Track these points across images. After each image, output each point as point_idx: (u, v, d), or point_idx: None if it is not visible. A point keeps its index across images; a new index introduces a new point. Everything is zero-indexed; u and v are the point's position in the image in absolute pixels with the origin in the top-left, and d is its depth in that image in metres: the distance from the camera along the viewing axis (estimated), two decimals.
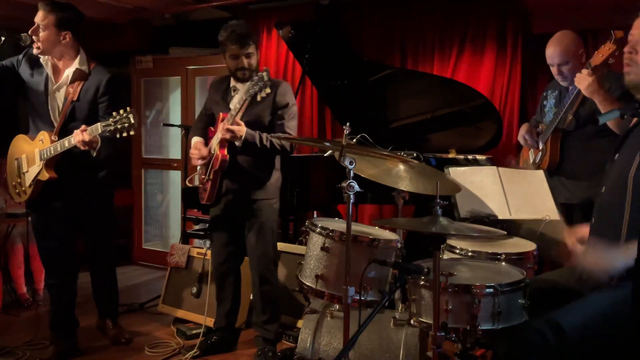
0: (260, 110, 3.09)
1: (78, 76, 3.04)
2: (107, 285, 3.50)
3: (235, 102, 3.09)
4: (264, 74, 2.90)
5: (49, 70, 3.05)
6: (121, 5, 5.02)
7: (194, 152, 3.17)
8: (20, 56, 3.13)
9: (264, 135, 3.02)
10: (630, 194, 1.92)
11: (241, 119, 3.00)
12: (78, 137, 2.86)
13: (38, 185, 3.02)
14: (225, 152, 3.04)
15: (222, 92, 3.21)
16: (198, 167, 3.24)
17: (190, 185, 3.39)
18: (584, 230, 2.24)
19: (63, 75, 3.06)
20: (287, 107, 3.12)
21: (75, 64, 3.05)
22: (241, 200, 3.13)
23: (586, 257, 1.91)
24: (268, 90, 2.94)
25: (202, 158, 3.13)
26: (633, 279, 1.64)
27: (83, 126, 2.88)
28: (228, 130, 2.93)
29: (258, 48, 3.16)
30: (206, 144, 3.22)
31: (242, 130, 2.95)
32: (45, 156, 2.97)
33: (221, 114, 3.08)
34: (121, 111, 2.77)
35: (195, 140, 3.24)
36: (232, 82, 3.18)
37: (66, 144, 2.92)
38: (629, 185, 1.93)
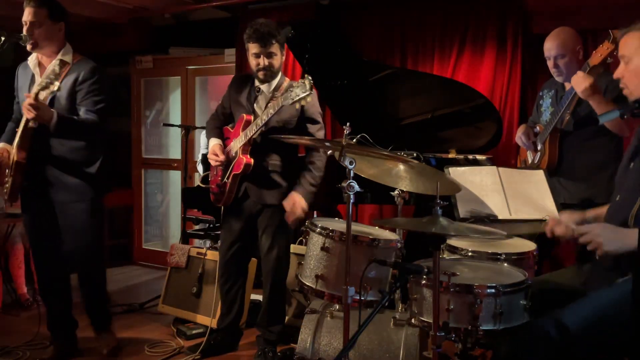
0: (288, 117, 3.04)
1: (60, 67, 2.95)
2: (90, 294, 3.26)
3: (261, 104, 3.07)
4: (307, 82, 2.72)
5: (36, 71, 3.02)
6: (121, 5, 5.02)
7: (211, 157, 3.14)
8: (15, 78, 3.11)
9: (308, 178, 3.05)
10: None
11: (268, 126, 2.97)
12: (25, 105, 2.75)
13: (16, 172, 2.92)
14: (250, 158, 3.01)
15: (245, 93, 3.14)
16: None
17: (204, 186, 3.36)
18: (576, 215, 2.25)
19: (48, 68, 2.98)
20: (314, 118, 3.09)
21: (58, 56, 2.99)
22: (259, 205, 3.10)
23: (589, 230, 1.90)
24: (309, 100, 2.75)
25: (220, 161, 3.11)
26: (633, 279, 1.64)
27: (27, 99, 2.79)
28: (295, 212, 2.97)
29: (284, 48, 3.09)
30: (223, 144, 3.19)
31: (301, 204, 2.99)
32: (16, 139, 2.92)
33: (244, 115, 3.05)
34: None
35: (213, 143, 3.18)
36: (256, 83, 3.12)
37: (24, 120, 2.87)
38: None
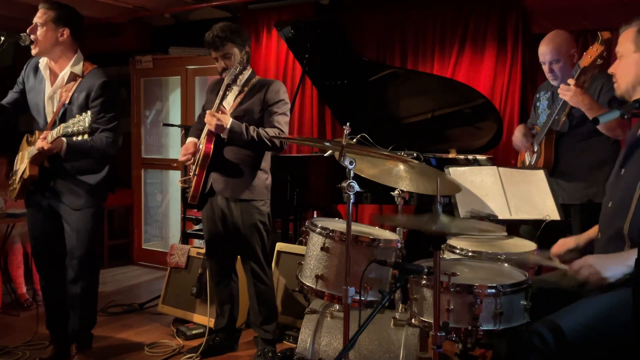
0: (250, 105, 3.08)
1: (71, 78, 2.99)
2: (76, 304, 3.06)
3: (229, 100, 3.11)
4: (244, 57, 2.99)
5: (46, 75, 3.02)
6: (121, 5, 5.02)
7: (181, 152, 3.17)
8: (23, 71, 3.10)
9: (251, 127, 2.98)
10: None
11: (230, 114, 3.01)
12: (38, 144, 2.80)
13: (24, 183, 2.96)
14: (211, 146, 3.00)
15: (217, 92, 3.18)
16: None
17: (180, 186, 3.37)
18: (570, 241, 2.27)
19: (58, 78, 3.01)
20: (277, 103, 3.09)
21: (68, 66, 2.99)
22: (227, 200, 3.09)
23: (582, 265, 1.91)
24: (245, 73, 3.00)
25: (189, 154, 3.12)
26: (633, 280, 1.64)
27: (45, 132, 2.82)
28: (213, 116, 2.90)
29: (242, 45, 3.09)
30: None
31: (226, 119, 2.93)
32: (30, 155, 2.93)
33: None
34: (83, 114, 2.67)
35: (189, 140, 3.24)
36: (226, 81, 3.14)
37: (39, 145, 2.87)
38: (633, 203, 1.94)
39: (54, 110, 2.98)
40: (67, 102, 2.94)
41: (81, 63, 3.02)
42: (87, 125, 2.62)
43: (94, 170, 3.04)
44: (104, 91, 2.94)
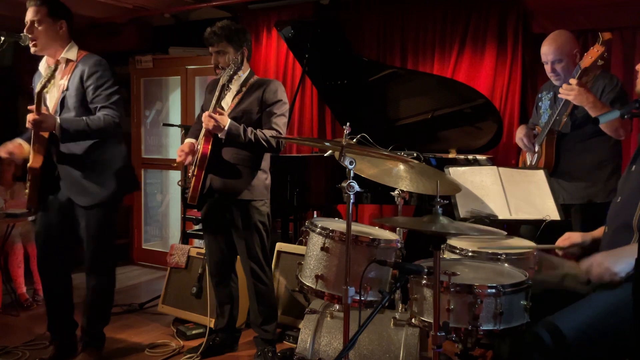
0: (248, 105, 3.07)
1: (65, 64, 2.97)
2: (95, 296, 3.13)
3: (227, 100, 3.11)
4: (238, 57, 3.01)
5: (44, 72, 3.01)
6: (121, 5, 5.02)
7: (177, 151, 3.16)
8: (33, 81, 3.09)
9: (249, 128, 2.97)
10: None
11: (228, 115, 3.01)
12: (28, 118, 2.75)
13: (33, 176, 2.89)
14: (208, 147, 3.00)
15: (215, 91, 3.15)
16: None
17: (180, 186, 3.37)
18: (576, 236, 2.27)
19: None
20: (275, 104, 3.08)
21: (62, 54, 2.96)
22: (226, 200, 3.09)
23: (592, 263, 1.91)
24: (241, 73, 3.04)
25: (185, 154, 3.10)
26: (633, 279, 1.64)
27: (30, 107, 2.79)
28: (210, 117, 2.90)
29: (239, 46, 3.09)
30: None
31: (224, 120, 2.92)
32: (30, 142, 2.89)
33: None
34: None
35: (186, 141, 3.23)
36: (224, 81, 3.12)
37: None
38: None
39: (55, 97, 2.95)
40: (65, 89, 2.91)
41: (74, 49, 3.00)
42: (51, 71, 2.69)
43: (102, 162, 2.97)
44: (97, 67, 2.90)
